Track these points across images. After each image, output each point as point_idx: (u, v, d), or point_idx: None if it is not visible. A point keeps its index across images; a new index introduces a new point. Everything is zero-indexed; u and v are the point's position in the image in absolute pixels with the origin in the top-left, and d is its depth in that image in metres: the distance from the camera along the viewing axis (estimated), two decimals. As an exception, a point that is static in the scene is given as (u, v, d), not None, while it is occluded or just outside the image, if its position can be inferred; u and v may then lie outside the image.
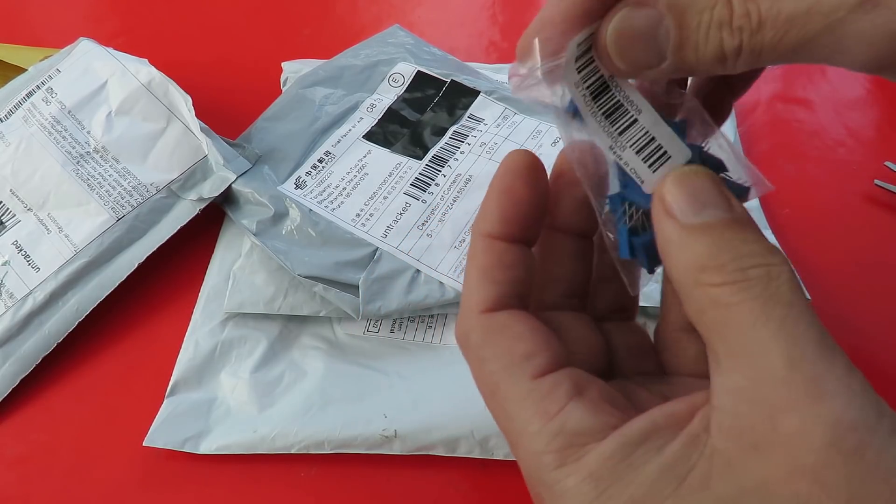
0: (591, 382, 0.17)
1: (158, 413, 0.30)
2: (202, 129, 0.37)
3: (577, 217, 0.20)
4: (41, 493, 0.29)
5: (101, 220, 0.35)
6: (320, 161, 0.39)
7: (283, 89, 0.44)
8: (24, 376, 0.32)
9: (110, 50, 0.39)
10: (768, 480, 0.13)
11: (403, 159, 0.38)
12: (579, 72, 0.17)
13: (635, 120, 0.17)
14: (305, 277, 0.32)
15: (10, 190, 0.36)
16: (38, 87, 0.39)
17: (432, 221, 0.35)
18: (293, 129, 0.40)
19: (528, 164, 0.18)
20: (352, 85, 0.42)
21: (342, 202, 0.36)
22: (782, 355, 0.13)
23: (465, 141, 0.39)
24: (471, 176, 0.37)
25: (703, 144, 0.18)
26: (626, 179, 0.18)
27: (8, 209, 0.36)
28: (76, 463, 0.30)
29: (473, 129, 0.40)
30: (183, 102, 0.37)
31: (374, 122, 0.41)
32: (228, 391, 0.31)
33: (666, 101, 0.19)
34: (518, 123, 0.40)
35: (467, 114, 0.41)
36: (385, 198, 0.36)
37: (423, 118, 0.41)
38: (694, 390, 0.16)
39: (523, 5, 0.56)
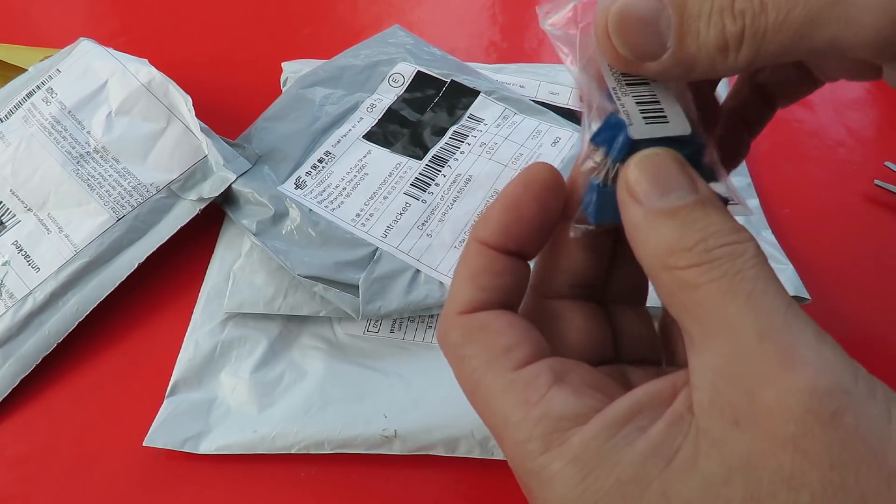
0: (573, 369, 0.17)
1: (158, 413, 0.30)
2: (202, 129, 0.37)
3: None
4: (41, 493, 0.29)
5: (101, 220, 0.35)
6: (320, 161, 0.39)
7: (283, 89, 0.44)
8: (24, 376, 0.32)
9: (110, 50, 0.39)
10: (752, 455, 0.13)
11: (403, 159, 0.38)
12: None
13: (647, 83, 0.17)
14: (305, 277, 0.32)
15: (10, 190, 0.36)
16: (38, 87, 0.39)
17: (432, 221, 0.35)
18: (293, 129, 0.40)
19: (546, 181, 0.18)
20: (352, 85, 0.42)
21: (342, 202, 0.36)
22: (752, 329, 0.13)
23: (465, 141, 0.39)
24: (471, 176, 0.37)
25: (706, 144, 0.18)
26: (611, 122, 0.17)
27: (8, 209, 0.36)
28: (76, 463, 0.30)
29: (473, 129, 0.40)
30: (183, 102, 0.37)
31: (374, 122, 0.41)
32: (228, 391, 0.31)
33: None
34: (518, 123, 0.40)
35: (467, 114, 0.41)
36: (385, 198, 0.36)
37: (423, 118, 0.41)
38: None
39: (523, 5, 0.56)
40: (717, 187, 0.17)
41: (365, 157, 0.39)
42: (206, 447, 0.29)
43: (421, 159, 0.38)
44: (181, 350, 0.32)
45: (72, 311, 0.34)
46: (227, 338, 0.33)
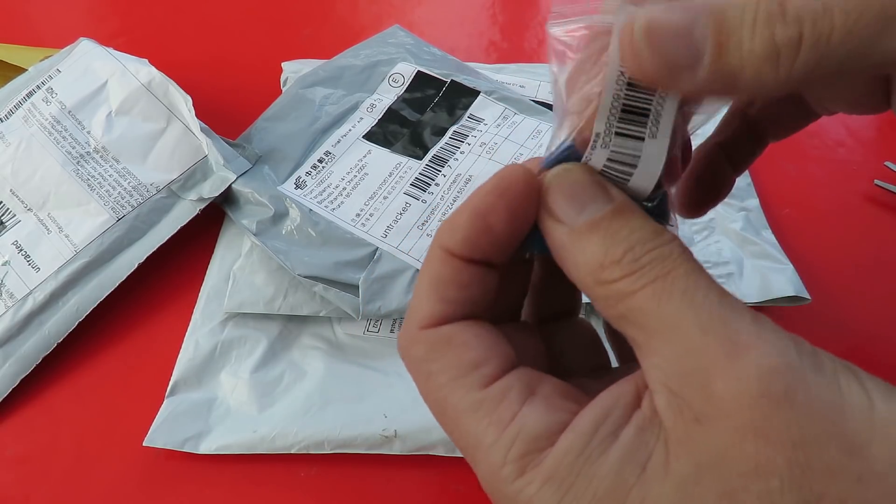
0: (544, 379, 0.16)
1: (158, 413, 0.30)
2: (202, 129, 0.37)
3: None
4: (41, 493, 0.29)
5: (102, 220, 0.35)
6: (320, 161, 0.39)
7: (283, 89, 0.44)
8: (24, 376, 0.32)
9: (110, 50, 0.39)
10: (718, 450, 0.13)
11: (403, 159, 0.38)
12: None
13: (642, 139, 0.16)
14: (305, 277, 0.32)
15: (11, 190, 0.36)
16: (38, 87, 0.39)
17: (432, 221, 0.35)
18: (293, 129, 0.40)
19: (521, 189, 0.16)
20: (352, 85, 0.42)
21: (342, 202, 0.36)
22: (693, 326, 0.14)
23: (465, 141, 0.39)
24: (471, 176, 0.37)
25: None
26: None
27: (8, 209, 0.36)
28: (76, 463, 0.30)
29: (473, 129, 0.40)
30: (183, 102, 0.37)
31: (374, 122, 0.41)
32: (228, 391, 0.31)
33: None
34: (518, 123, 0.40)
35: (467, 114, 0.41)
36: (385, 198, 0.36)
37: (423, 118, 0.41)
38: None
39: (523, 5, 0.56)
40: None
41: (365, 157, 0.39)
42: (206, 447, 0.29)
43: (421, 159, 0.38)
44: (181, 350, 0.32)
45: (72, 311, 0.34)
46: (227, 338, 0.33)
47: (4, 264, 0.35)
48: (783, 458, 0.12)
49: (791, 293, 0.33)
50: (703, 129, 0.20)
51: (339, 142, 0.40)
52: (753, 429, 0.13)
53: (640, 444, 0.14)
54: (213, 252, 0.37)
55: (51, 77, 0.39)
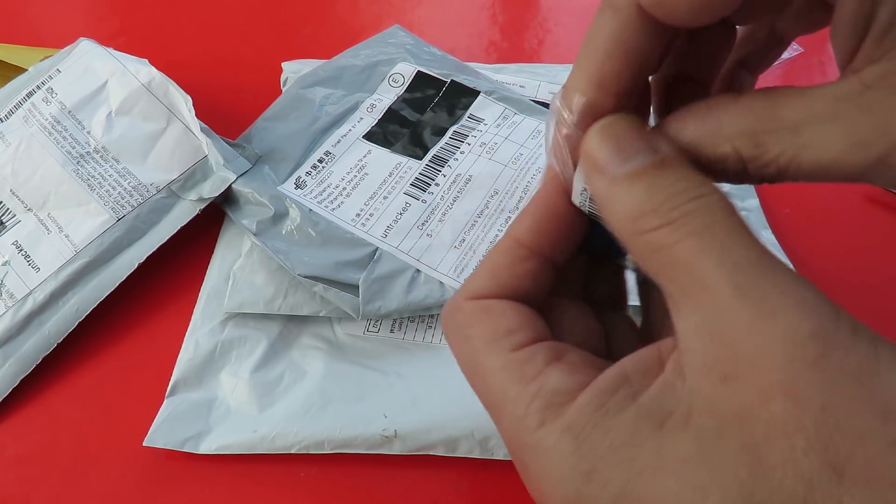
0: (571, 350, 0.17)
1: (158, 413, 0.30)
2: (202, 129, 0.37)
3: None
4: (41, 493, 0.29)
5: (102, 221, 0.35)
6: (320, 161, 0.39)
7: (283, 89, 0.44)
8: (24, 376, 0.32)
9: (110, 50, 0.39)
10: (744, 408, 0.13)
11: (403, 159, 0.38)
12: None
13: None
14: (305, 277, 0.32)
15: (11, 190, 0.36)
16: (38, 87, 0.39)
17: (432, 221, 0.36)
18: (293, 129, 0.40)
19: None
20: (352, 85, 0.42)
21: (342, 202, 0.36)
22: (728, 285, 0.13)
23: (466, 141, 0.39)
24: (471, 176, 0.37)
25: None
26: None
27: (8, 209, 0.36)
28: (76, 463, 0.30)
29: (473, 129, 0.40)
30: (183, 102, 0.37)
31: (374, 122, 0.41)
32: (228, 391, 0.31)
33: None
34: (518, 123, 0.40)
35: (467, 114, 0.41)
36: (385, 198, 0.36)
37: (423, 118, 0.41)
38: None
39: (523, 5, 0.56)
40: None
41: (365, 157, 0.39)
42: (206, 447, 0.29)
43: (421, 159, 0.38)
44: (181, 350, 0.32)
45: (72, 311, 0.34)
46: (227, 338, 0.33)
47: (4, 264, 0.35)
48: (811, 420, 0.12)
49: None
50: None
51: (339, 142, 0.40)
52: (782, 389, 0.12)
53: (660, 403, 0.14)
54: (213, 252, 0.37)
55: (51, 77, 0.39)
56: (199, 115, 0.37)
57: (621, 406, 0.15)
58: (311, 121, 0.40)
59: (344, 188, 0.37)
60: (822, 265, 0.36)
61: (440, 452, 0.29)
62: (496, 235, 0.35)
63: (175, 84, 0.38)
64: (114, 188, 0.36)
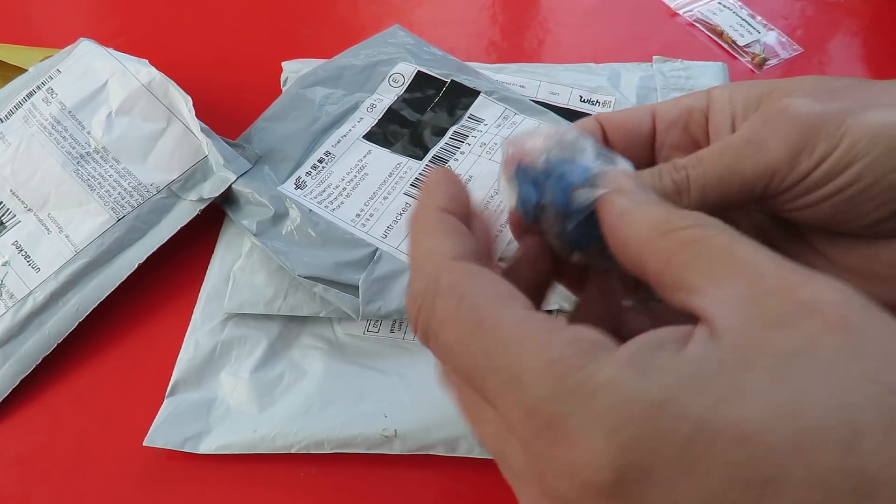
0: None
1: (158, 413, 0.30)
2: (202, 130, 0.37)
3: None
4: (41, 493, 0.29)
5: (102, 221, 0.35)
6: (320, 161, 0.39)
7: (284, 89, 0.44)
8: (24, 376, 0.32)
9: (110, 50, 0.39)
10: (809, 340, 0.13)
11: (403, 159, 0.38)
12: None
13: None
14: (305, 278, 0.32)
15: (11, 190, 0.36)
16: (38, 87, 0.39)
17: (432, 221, 0.35)
18: (293, 129, 0.40)
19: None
20: (352, 85, 0.42)
21: (342, 202, 0.36)
22: (767, 260, 0.14)
23: (466, 141, 0.39)
24: (471, 176, 0.37)
25: None
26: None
27: (8, 209, 0.36)
28: (76, 463, 0.30)
29: (474, 130, 0.40)
30: (183, 103, 0.37)
31: (375, 123, 0.41)
32: (228, 391, 0.31)
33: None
34: (518, 123, 0.40)
35: (467, 114, 0.41)
36: (385, 198, 0.36)
37: (423, 118, 0.41)
38: None
39: (523, 5, 0.56)
40: None
41: (365, 157, 0.39)
42: (206, 447, 0.29)
43: (421, 159, 0.38)
44: (181, 350, 0.32)
45: (72, 311, 0.34)
46: (227, 338, 0.33)
47: (4, 264, 0.35)
48: (881, 347, 0.12)
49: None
50: None
51: (339, 142, 0.40)
52: (845, 324, 0.13)
53: (709, 351, 0.13)
54: (213, 252, 0.37)
55: (51, 77, 0.39)
56: (199, 115, 0.37)
57: (674, 350, 0.13)
58: (311, 121, 0.40)
59: (344, 188, 0.37)
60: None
61: (440, 452, 0.29)
62: (496, 235, 0.35)
63: (175, 84, 0.38)
64: (114, 188, 0.36)
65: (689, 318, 0.15)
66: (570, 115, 0.42)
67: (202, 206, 0.36)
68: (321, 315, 0.33)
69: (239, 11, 0.54)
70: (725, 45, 0.49)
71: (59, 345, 0.33)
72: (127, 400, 0.32)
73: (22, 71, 0.40)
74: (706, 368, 0.13)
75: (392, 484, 0.29)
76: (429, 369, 0.32)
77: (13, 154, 0.36)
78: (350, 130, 0.40)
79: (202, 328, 0.33)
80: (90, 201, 0.35)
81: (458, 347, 0.15)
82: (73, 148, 0.36)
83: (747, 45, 0.48)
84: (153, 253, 0.35)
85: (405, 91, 0.42)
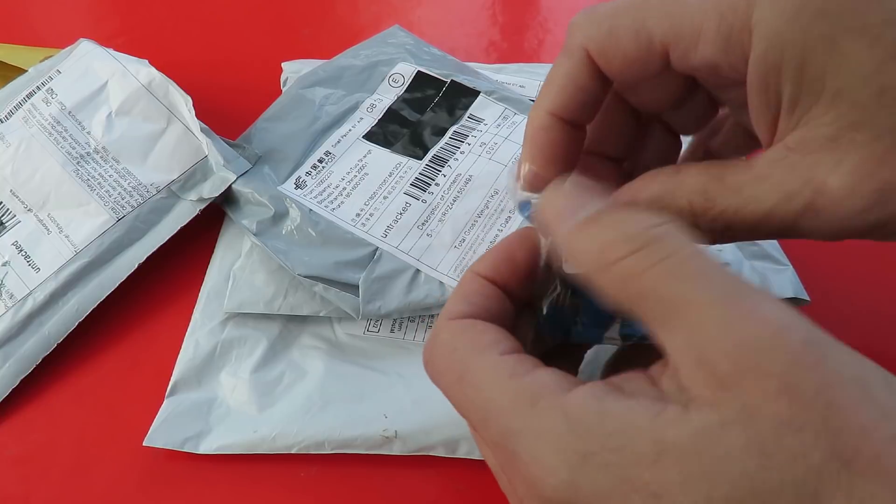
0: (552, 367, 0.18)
1: (158, 413, 0.30)
2: (202, 130, 0.37)
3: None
4: (41, 493, 0.29)
5: (102, 221, 0.35)
6: (320, 161, 0.39)
7: (283, 89, 0.44)
8: (24, 376, 0.32)
9: (110, 51, 0.39)
10: (747, 408, 0.14)
11: (403, 159, 0.38)
12: None
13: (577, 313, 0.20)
14: (305, 277, 0.32)
15: (11, 190, 0.36)
16: (38, 87, 0.39)
17: (432, 221, 0.35)
18: (293, 129, 0.40)
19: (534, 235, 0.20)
20: (352, 85, 0.42)
21: (342, 202, 0.36)
22: (707, 302, 0.14)
23: (466, 141, 0.39)
24: (471, 176, 0.37)
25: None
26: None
27: (8, 209, 0.36)
28: (76, 463, 0.30)
29: (473, 130, 0.40)
30: (183, 103, 0.37)
31: (374, 123, 0.41)
32: (228, 391, 0.31)
33: None
34: (518, 123, 0.40)
35: (467, 114, 0.41)
36: (385, 198, 0.36)
37: (423, 118, 0.41)
38: None
39: (523, 5, 0.56)
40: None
41: (365, 157, 0.39)
42: (206, 447, 0.29)
43: (421, 159, 0.38)
44: (181, 350, 0.32)
45: (72, 312, 0.34)
46: (227, 338, 0.33)
47: (4, 265, 0.35)
48: (818, 416, 0.13)
49: (790, 294, 0.33)
50: None
51: (339, 142, 0.40)
52: (786, 391, 0.13)
53: (655, 402, 0.15)
54: (213, 252, 0.37)
55: (51, 78, 0.39)
56: (199, 115, 0.37)
57: (617, 399, 0.15)
58: (311, 121, 0.40)
59: (344, 188, 0.37)
60: (822, 265, 0.36)
61: (440, 453, 0.29)
62: (496, 235, 0.35)
63: (175, 84, 0.38)
64: (114, 188, 0.36)
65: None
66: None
67: (202, 206, 0.36)
68: (321, 314, 0.33)
69: (239, 11, 0.54)
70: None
71: (59, 345, 0.33)
72: (127, 400, 0.32)
73: (22, 71, 0.40)
74: (639, 421, 0.14)
75: (392, 484, 0.29)
76: (429, 369, 0.32)
77: (13, 154, 0.36)
78: (350, 130, 0.40)
79: (202, 328, 0.33)
80: (90, 201, 0.35)
81: (451, 392, 0.18)
82: (73, 148, 0.36)
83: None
84: (153, 253, 0.35)
85: (405, 91, 0.42)
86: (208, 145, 0.37)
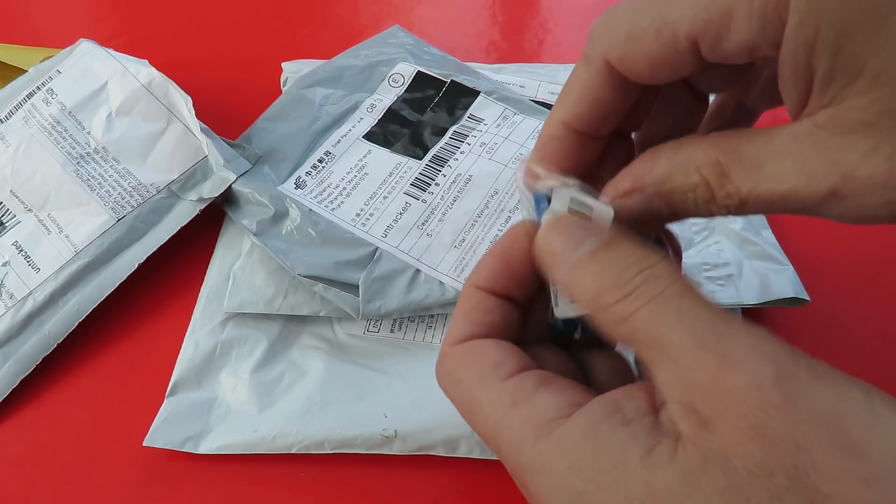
0: (559, 378, 0.18)
1: (158, 413, 0.30)
2: (202, 130, 0.37)
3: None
4: (41, 493, 0.29)
5: (102, 221, 0.35)
6: (320, 161, 0.39)
7: (283, 89, 0.44)
8: (24, 377, 0.32)
9: (110, 51, 0.39)
10: (725, 449, 0.14)
11: (403, 159, 0.38)
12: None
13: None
14: (305, 277, 0.32)
15: (11, 190, 0.36)
16: (38, 87, 0.39)
17: (432, 221, 0.36)
18: (293, 129, 0.40)
19: (533, 235, 0.20)
20: (352, 85, 0.42)
21: (342, 202, 0.36)
22: (688, 343, 0.15)
23: (465, 141, 0.39)
24: (471, 176, 0.37)
25: None
26: None
27: (8, 210, 0.36)
28: (76, 463, 0.30)
29: (473, 129, 0.40)
30: (183, 103, 0.37)
31: (374, 123, 0.41)
32: (228, 391, 0.31)
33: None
34: (518, 123, 0.40)
35: (467, 114, 0.41)
36: (385, 197, 0.36)
37: (423, 118, 0.41)
38: None
39: (523, 5, 0.56)
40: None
41: (365, 157, 0.39)
42: (206, 447, 0.29)
43: (421, 159, 0.38)
44: (181, 350, 0.32)
45: (72, 312, 0.34)
46: (227, 338, 0.33)
47: (4, 265, 0.35)
48: (789, 459, 0.13)
49: (790, 294, 0.32)
50: None
51: (339, 142, 0.40)
52: (758, 433, 0.13)
53: (649, 434, 0.15)
54: (213, 252, 0.37)
55: (51, 78, 0.39)
56: (199, 115, 0.37)
57: (613, 429, 0.16)
58: (311, 121, 0.40)
59: (344, 188, 0.37)
60: (822, 265, 0.36)
61: (440, 452, 0.29)
62: (496, 235, 0.35)
63: (175, 84, 0.38)
64: (114, 188, 0.36)
65: None
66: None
67: (202, 206, 0.36)
68: (321, 314, 0.33)
69: (239, 11, 0.54)
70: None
71: (59, 345, 0.33)
72: (127, 400, 0.32)
73: (22, 71, 0.40)
74: (631, 459, 0.15)
75: (392, 484, 0.29)
76: (429, 370, 0.32)
77: (13, 154, 0.36)
78: (350, 130, 0.40)
79: (202, 328, 0.33)
80: (90, 201, 0.35)
81: (468, 421, 0.19)
82: (73, 148, 0.36)
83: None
84: (153, 253, 0.35)
85: (405, 91, 0.42)
86: (208, 145, 0.37)
